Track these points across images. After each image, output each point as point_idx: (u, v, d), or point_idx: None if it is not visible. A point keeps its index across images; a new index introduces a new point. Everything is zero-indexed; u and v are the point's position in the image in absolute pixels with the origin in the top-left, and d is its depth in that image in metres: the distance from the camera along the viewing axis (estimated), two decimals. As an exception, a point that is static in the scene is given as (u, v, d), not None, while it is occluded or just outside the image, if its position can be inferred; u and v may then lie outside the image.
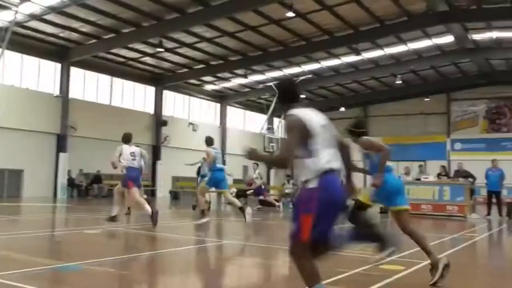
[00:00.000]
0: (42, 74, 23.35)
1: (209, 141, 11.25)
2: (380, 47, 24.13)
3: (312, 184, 3.32)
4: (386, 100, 35.50)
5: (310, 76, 27.57)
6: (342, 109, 37.90)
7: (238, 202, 11.48)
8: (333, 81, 30.52)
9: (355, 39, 22.35)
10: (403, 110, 35.28)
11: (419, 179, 16.03)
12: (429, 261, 5.10)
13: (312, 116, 3.45)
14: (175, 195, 25.54)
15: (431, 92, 33.18)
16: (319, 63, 26.65)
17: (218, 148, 11.44)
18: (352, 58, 25.52)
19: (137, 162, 10.06)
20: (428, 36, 22.76)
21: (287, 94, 3.70)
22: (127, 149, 10.09)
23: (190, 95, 31.95)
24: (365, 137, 5.44)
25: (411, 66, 27.43)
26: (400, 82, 29.87)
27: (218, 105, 34.23)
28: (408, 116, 35.19)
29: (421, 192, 15.39)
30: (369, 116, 38.22)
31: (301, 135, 3.32)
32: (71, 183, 23.60)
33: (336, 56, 25.50)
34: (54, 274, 5.28)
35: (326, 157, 3.38)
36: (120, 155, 10.02)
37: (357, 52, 24.00)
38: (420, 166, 18.51)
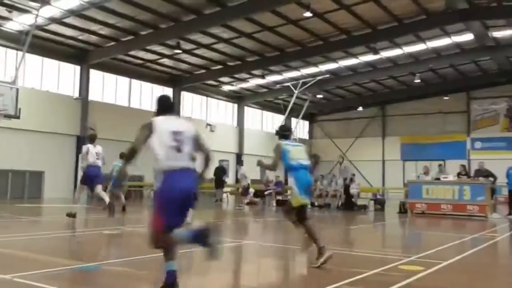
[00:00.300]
0: (62, 76, 23.70)
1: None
2: (398, 45, 23.90)
3: (159, 181, 4.00)
4: (404, 99, 35.18)
5: (328, 76, 27.43)
6: (360, 108, 37.65)
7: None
8: (351, 81, 30.32)
9: (373, 38, 22.18)
10: (422, 109, 34.90)
11: (438, 179, 15.83)
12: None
13: (167, 123, 4.15)
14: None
15: (450, 90, 32.74)
16: (337, 62, 26.51)
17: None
18: (370, 57, 25.32)
19: (101, 161, 11.04)
20: (447, 34, 22.47)
21: (161, 105, 4.43)
22: (93, 149, 11.00)
23: (208, 96, 32.07)
24: (279, 141, 6.22)
25: (430, 65, 27.11)
26: (419, 81, 29.54)
27: (236, 105, 34.30)
28: (427, 115, 34.80)
29: (441, 192, 15.20)
30: (387, 116, 37.91)
31: (145, 136, 4.07)
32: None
33: (354, 55, 25.33)
34: (74, 274, 5.34)
35: (168, 157, 4.01)
36: (86, 154, 10.91)
37: (375, 51, 23.81)
38: (440, 165, 18.26)
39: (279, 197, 21.01)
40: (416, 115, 35.26)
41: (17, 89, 15.72)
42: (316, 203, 19.57)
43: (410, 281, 5.02)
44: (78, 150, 23.56)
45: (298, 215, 6.03)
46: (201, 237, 3.99)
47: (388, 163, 37.27)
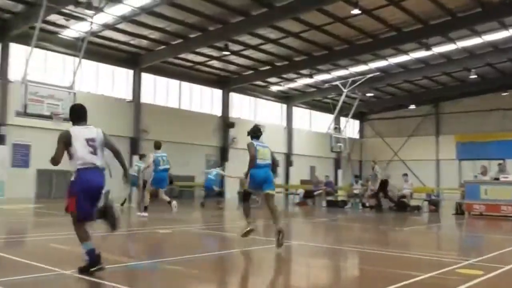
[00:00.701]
0: (116, 80, 24.51)
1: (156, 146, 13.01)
2: (452, 40, 23.07)
3: (73, 177, 4.92)
4: (459, 96, 33.97)
5: (378, 73, 26.91)
6: (412, 106, 36.68)
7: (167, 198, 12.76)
8: (402, 78, 29.59)
9: (425, 33, 21.52)
10: (478, 106, 33.60)
11: (497, 179, 15.12)
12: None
13: (79, 131, 5.07)
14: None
15: (509, 86, 31.28)
16: (387, 60, 25.93)
17: (163, 152, 12.92)
18: (421, 54, 24.61)
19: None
20: (505, 26, 21.45)
21: (76, 114, 5.29)
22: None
23: (256, 96, 32.22)
24: (252, 140, 7.45)
25: (488, 59, 25.98)
26: (475, 76, 28.42)
27: (284, 105, 34.26)
28: (484, 112, 33.45)
29: (501, 192, 14.51)
30: (441, 113, 36.77)
31: (64, 144, 4.95)
32: (144, 184, 24.48)
33: (405, 52, 24.69)
34: (129, 271, 5.49)
35: (84, 158, 4.94)
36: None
37: (427, 47, 23.09)
38: (499, 164, 17.41)
39: (330, 197, 20.79)
40: (472, 112, 33.96)
41: (75, 94, 16.35)
42: (367, 204, 19.21)
43: (469, 286, 4.80)
44: (132, 151, 24.33)
45: (244, 196, 7.83)
46: (102, 213, 5.12)
47: (442, 162, 36.11)
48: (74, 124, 5.20)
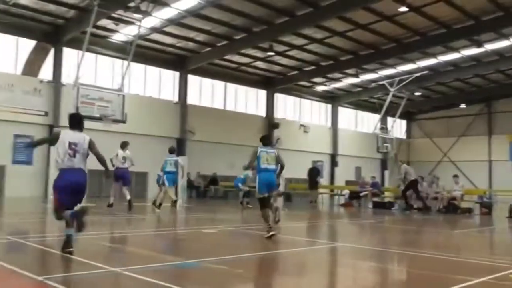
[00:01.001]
0: (163, 82, 25.05)
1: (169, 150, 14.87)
2: (505, 36, 22.15)
3: (56, 175, 6.02)
4: (512, 94, 32.58)
5: (426, 72, 26.21)
6: (463, 105, 35.51)
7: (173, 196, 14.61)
8: (452, 77, 28.69)
9: (476, 30, 20.77)
10: (534, 105, 32.13)
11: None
12: None
13: (67, 135, 6.05)
14: (287, 197, 25.75)
15: None
16: (436, 58, 25.22)
17: (174, 155, 14.85)
18: (473, 51, 23.79)
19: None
20: None
21: (71, 121, 6.31)
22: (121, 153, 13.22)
23: (301, 97, 32.09)
24: (257, 147, 8.35)
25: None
26: (530, 74, 27.20)
27: (329, 106, 33.95)
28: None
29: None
30: (494, 113, 35.41)
31: (50, 141, 6.48)
32: (190, 184, 24.96)
33: (455, 49, 23.93)
34: (175, 270, 5.59)
35: (62, 160, 5.96)
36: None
37: (479, 44, 22.31)
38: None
39: (376, 199, 20.41)
40: (527, 111, 32.53)
41: (123, 96, 16.87)
42: (415, 206, 18.74)
43: (524, 292, 4.60)
44: (179, 152, 24.77)
45: (261, 203, 8.25)
46: (75, 216, 5.87)
47: (495, 163, 34.75)
48: (70, 128, 6.23)
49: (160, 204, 14.19)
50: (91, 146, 6.16)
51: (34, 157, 20.09)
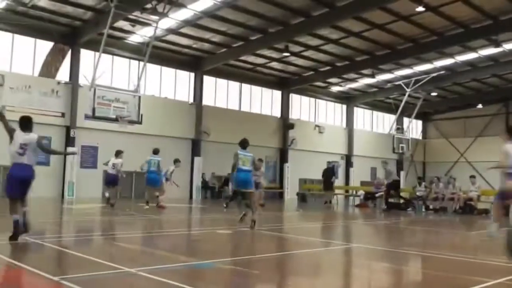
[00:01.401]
0: (178, 83, 25.17)
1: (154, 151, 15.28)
2: (524, 36, 21.82)
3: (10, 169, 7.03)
4: (532, 94, 32.04)
5: (443, 72, 25.93)
6: (479, 106, 35.07)
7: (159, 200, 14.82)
8: (469, 77, 28.29)
9: (495, 30, 20.45)
10: (554, 105, 31.55)
11: None
12: None
13: (18, 138, 6.96)
14: (302, 197, 25.72)
15: None
16: (453, 58, 24.92)
17: (157, 156, 15.11)
18: (491, 51, 23.44)
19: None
20: None
21: (21, 124, 7.17)
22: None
23: (316, 97, 31.99)
24: (236, 151, 9.94)
25: None
26: (550, 74, 26.71)
27: (345, 106, 33.79)
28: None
29: None
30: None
31: (10, 138, 6.99)
32: (205, 185, 25.08)
33: (473, 49, 23.62)
34: (190, 270, 5.63)
35: (13, 157, 6.94)
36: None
37: (497, 44, 21.98)
38: None
39: (391, 200, 20.23)
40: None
41: (139, 97, 17.01)
42: (431, 206, 18.56)
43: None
44: (193, 153, 24.92)
45: (234, 194, 10.44)
46: (23, 225, 6.88)
47: (513, 164, 34.19)
48: (20, 129, 7.09)
49: (147, 202, 14.85)
50: (39, 143, 7.15)
51: (51, 158, 20.34)
